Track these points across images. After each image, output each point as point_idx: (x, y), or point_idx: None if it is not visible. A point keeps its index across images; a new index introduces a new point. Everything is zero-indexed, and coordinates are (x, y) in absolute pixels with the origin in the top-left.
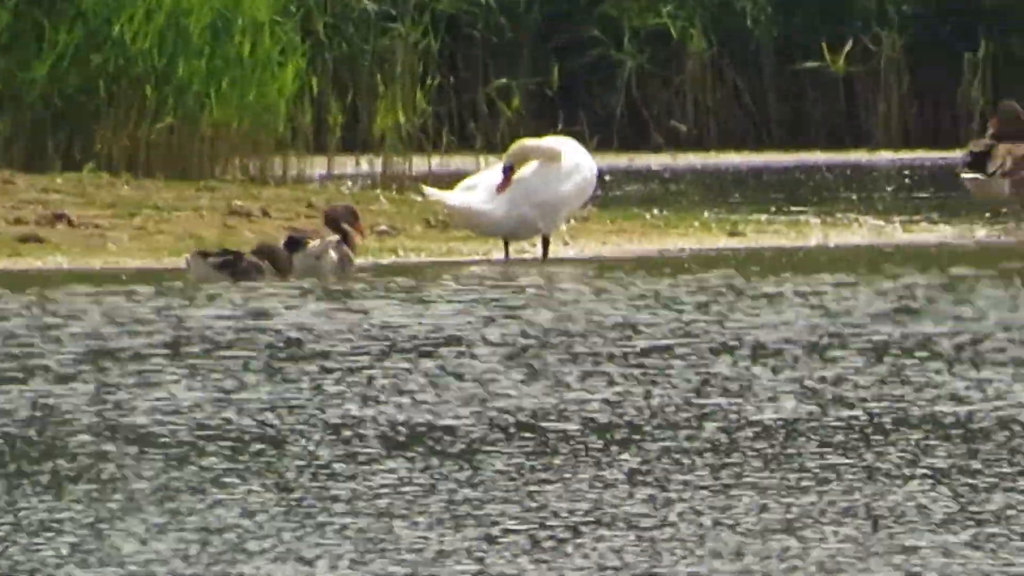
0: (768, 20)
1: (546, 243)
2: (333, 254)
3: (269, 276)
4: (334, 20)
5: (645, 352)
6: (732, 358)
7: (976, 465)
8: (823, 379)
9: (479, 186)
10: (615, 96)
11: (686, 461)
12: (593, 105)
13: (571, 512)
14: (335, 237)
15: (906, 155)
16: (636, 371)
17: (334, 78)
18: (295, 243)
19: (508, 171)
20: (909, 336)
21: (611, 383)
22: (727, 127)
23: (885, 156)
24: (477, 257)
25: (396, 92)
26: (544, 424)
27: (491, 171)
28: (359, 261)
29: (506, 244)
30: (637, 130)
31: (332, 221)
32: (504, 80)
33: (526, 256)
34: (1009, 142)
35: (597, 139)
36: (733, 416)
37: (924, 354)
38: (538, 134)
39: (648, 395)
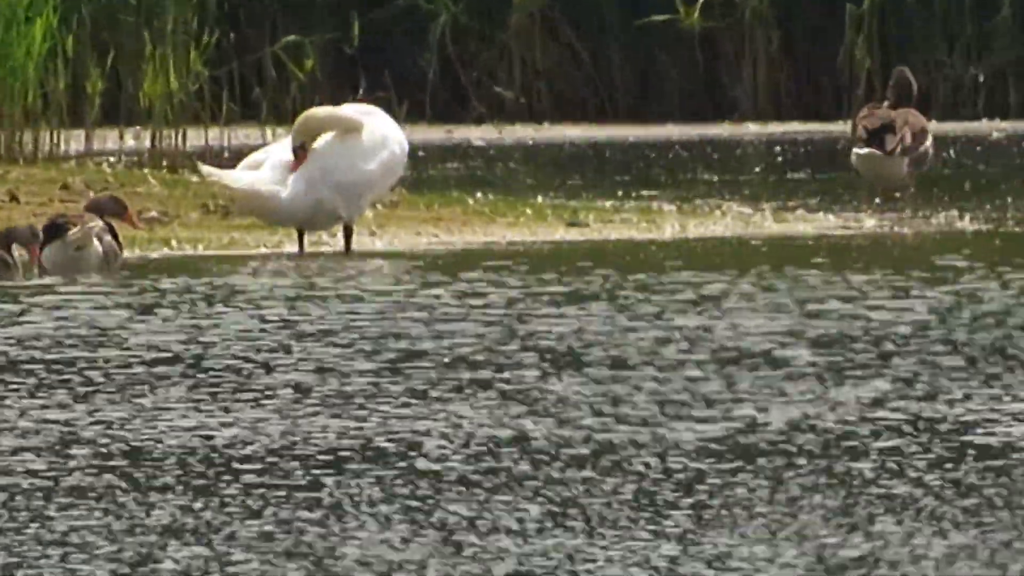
0: None
1: (348, 233)
2: (98, 245)
3: (12, 271)
4: None
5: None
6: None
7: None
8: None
9: (266, 163)
10: (427, 55)
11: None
12: (401, 66)
13: None
14: (99, 223)
15: (777, 128)
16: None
17: (92, 36)
18: (55, 230)
19: (299, 150)
20: (784, 356)
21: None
22: (562, 94)
23: (752, 129)
24: (265, 250)
25: (166, 52)
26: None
27: (281, 145)
28: (124, 254)
29: (300, 235)
30: (454, 97)
31: (96, 213)
32: (295, 37)
33: (325, 249)
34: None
35: (407, 107)
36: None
37: (806, 371)
38: (336, 101)
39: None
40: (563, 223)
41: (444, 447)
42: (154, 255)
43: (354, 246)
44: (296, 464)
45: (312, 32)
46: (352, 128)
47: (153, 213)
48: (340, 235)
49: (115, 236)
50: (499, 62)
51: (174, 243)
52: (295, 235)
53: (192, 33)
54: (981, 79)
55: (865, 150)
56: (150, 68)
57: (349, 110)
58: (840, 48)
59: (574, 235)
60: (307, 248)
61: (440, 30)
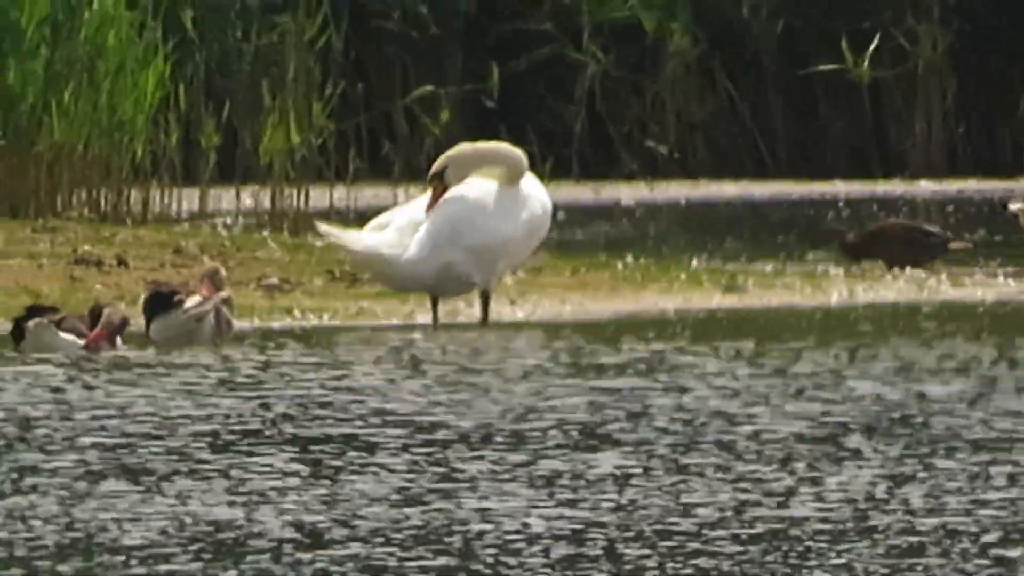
0: (770, 11)
1: (486, 301)
2: (211, 316)
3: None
4: (204, 13)
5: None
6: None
7: None
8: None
9: (392, 224)
10: (573, 108)
11: None
12: (545, 120)
13: None
14: (224, 294)
15: (951, 185)
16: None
17: (206, 86)
18: (165, 300)
19: (437, 181)
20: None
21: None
22: (719, 149)
23: (924, 187)
24: (396, 321)
25: (287, 104)
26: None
27: (410, 205)
28: (243, 324)
29: (434, 303)
30: (603, 152)
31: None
32: (429, 88)
33: (460, 319)
34: None
35: (551, 163)
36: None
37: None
38: None
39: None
40: (720, 288)
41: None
42: (275, 325)
43: (492, 315)
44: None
45: (447, 83)
46: (514, 167)
47: (274, 280)
48: (476, 303)
49: (229, 304)
50: (651, 114)
51: (297, 312)
52: (428, 304)
53: (315, 83)
54: None
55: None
56: (269, 121)
57: (509, 148)
58: (1021, 99)
59: (731, 301)
60: (441, 318)
61: (588, 81)
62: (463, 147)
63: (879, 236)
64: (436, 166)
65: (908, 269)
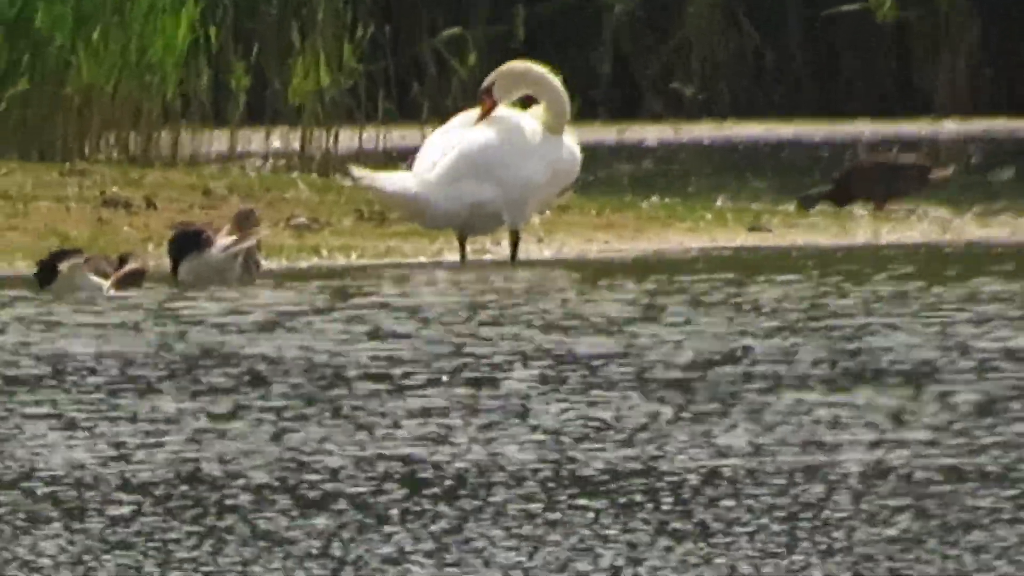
0: None
1: (515, 240)
2: (240, 257)
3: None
4: None
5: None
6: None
7: None
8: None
9: (424, 161)
10: (599, 51)
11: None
12: (571, 62)
13: None
14: (264, 231)
15: (978, 125)
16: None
17: (235, 29)
18: (193, 239)
19: (487, 95)
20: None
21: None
22: (743, 90)
23: (950, 127)
24: (424, 259)
25: (317, 46)
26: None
27: (441, 137)
28: (270, 264)
29: (462, 241)
30: (628, 94)
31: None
32: (456, 30)
33: (488, 257)
34: None
35: (578, 105)
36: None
37: None
38: None
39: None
40: (744, 228)
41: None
42: (302, 264)
43: (520, 254)
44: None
45: (474, 25)
46: (556, 114)
47: (302, 219)
48: (505, 242)
49: (256, 244)
50: (676, 56)
51: (324, 252)
52: (456, 242)
53: (345, 25)
54: None
55: None
56: (299, 63)
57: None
58: None
59: (756, 241)
60: (469, 256)
61: (614, 23)
62: (515, 64)
63: (852, 178)
64: (487, 80)
65: (932, 210)
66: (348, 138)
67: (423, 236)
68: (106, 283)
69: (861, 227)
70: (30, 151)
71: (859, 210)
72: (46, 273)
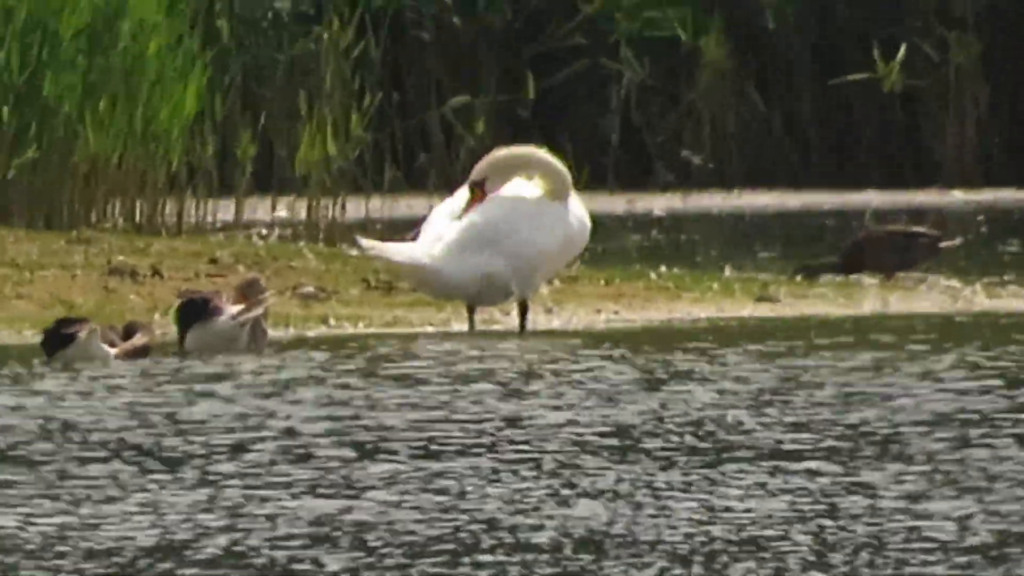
0: (801, 21)
1: (523, 310)
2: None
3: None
4: (240, 23)
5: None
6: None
7: None
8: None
9: (431, 233)
10: (608, 118)
11: None
12: (581, 130)
13: None
14: (270, 299)
15: (986, 195)
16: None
17: (242, 98)
18: (199, 308)
19: (477, 188)
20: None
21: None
22: (752, 159)
23: (958, 196)
24: (431, 328)
25: (323, 115)
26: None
27: (447, 206)
28: (277, 333)
29: (470, 311)
30: (637, 162)
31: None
32: (464, 98)
33: (497, 327)
34: None
35: (587, 174)
36: None
37: None
38: None
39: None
40: (752, 298)
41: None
42: (311, 334)
43: (529, 324)
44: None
45: (482, 93)
46: (557, 186)
47: (309, 289)
48: (514, 312)
49: (263, 313)
50: (685, 124)
51: (332, 321)
52: (464, 312)
53: (352, 93)
54: None
55: None
56: (305, 132)
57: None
58: None
59: (764, 311)
60: (478, 326)
61: (623, 91)
62: (498, 153)
63: (864, 248)
64: (476, 174)
65: (941, 280)
66: (355, 207)
67: (430, 305)
68: (113, 351)
69: (870, 297)
70: (37, 219)
71: (868, 279)
72: (52, 341)
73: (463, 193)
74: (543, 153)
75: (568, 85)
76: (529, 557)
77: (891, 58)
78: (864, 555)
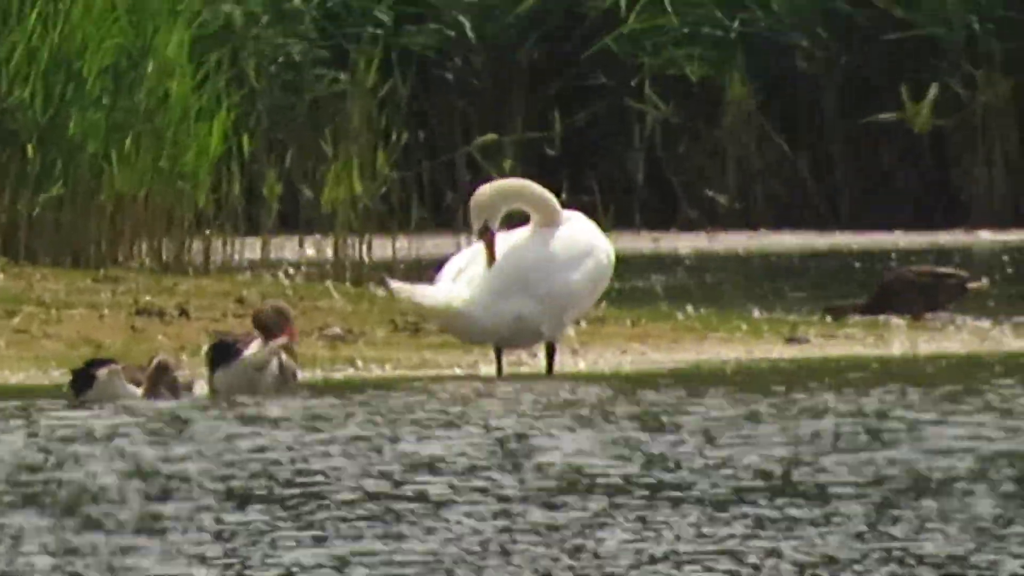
0: (828, 60)
1: (551, 352)
2: (274, 364)
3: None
4: (266, 63)
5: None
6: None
7: None
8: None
9: (461, 275)
10: (634, 157)
11: None
12: (607, 169)
13: None
14: (282, 340)
15: (1016, 235)
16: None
17: (268, 136)
18: (227, 351)
19: (484, 231)
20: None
21: None
22: (779, 199)
23: (988, 237)
24: (459, 371)
25: (349, 153)
26: None
27: (476, 252)
28: (304, 374)
29: (498, 354)
30: (663, 201)
31: (260, 327)
32: (491, 136)
33: (524, 369)
34: None
35: (613, 212)
36: None
37: None
38: None
39: None
40: (781, 339)
41: None
42: (337, 376)
43: (555, 366)
44: None
45: (509, 131)
46: (546, 211)
47: (336, 330)
48: (541, 355)
49: (291, 354)
50: (711, 163)
51: (359, 363)
52: (491, 354)
53: (378, 132)
54: None
55: None
56: (332, 171)
57: (542, 191)
58: None
59: (793, 352)
60: (505, 369)
61: (649, 130)
62: (482, 192)
63: (893, 289)
64: (476, 221)
65: (971, 321)
66: (381, 246)
67: (458, 347)
68: (139, 391)
69: (899, 338)
70: (63, 257)
71: (896, 320)
72: (81, 381)
73: (477, 247)
74: (526, 182)
75: (594, 123)
76: None
77: (919, 98)
78: None
